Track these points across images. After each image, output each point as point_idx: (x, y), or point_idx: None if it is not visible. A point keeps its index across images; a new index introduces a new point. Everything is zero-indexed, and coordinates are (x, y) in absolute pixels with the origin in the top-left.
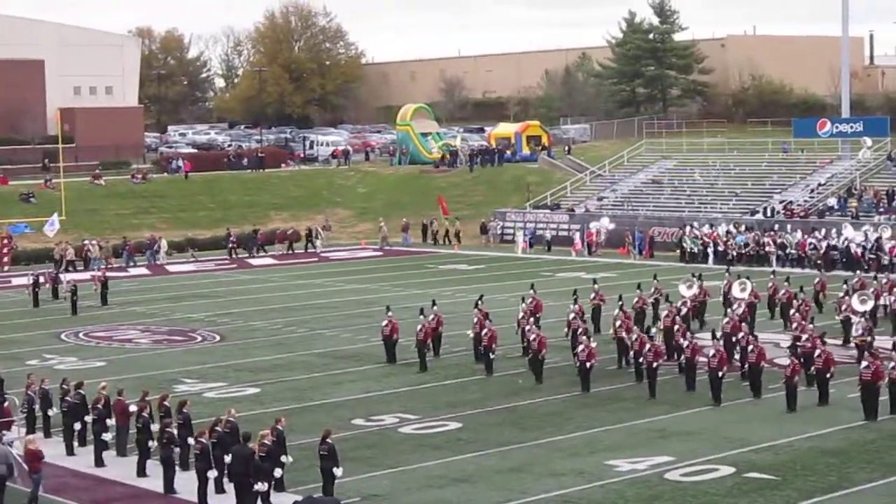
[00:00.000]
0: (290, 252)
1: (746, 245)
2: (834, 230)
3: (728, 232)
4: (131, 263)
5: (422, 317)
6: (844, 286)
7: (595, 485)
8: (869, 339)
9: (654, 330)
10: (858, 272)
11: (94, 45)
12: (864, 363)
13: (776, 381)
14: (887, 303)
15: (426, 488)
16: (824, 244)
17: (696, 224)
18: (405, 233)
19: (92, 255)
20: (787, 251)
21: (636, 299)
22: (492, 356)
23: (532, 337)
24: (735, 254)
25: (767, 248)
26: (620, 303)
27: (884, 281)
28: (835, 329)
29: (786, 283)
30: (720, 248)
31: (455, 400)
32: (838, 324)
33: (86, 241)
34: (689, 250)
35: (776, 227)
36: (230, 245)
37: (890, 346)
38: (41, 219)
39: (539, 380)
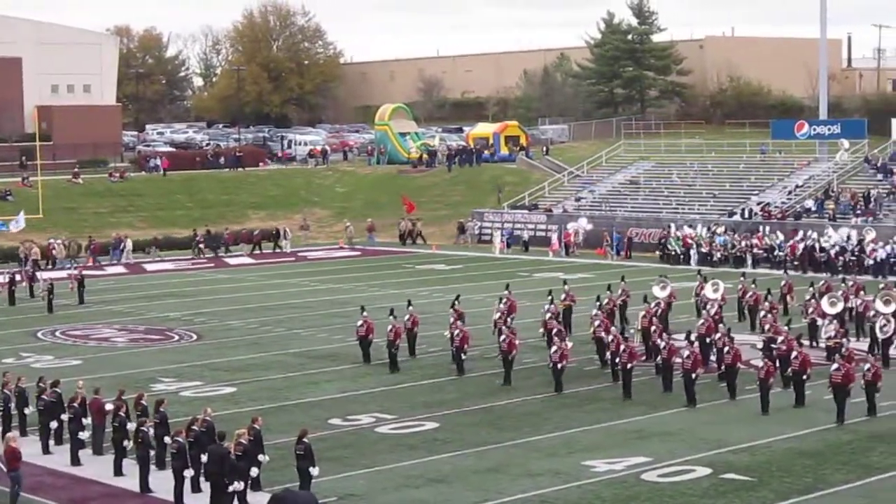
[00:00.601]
0: (259, 252)
1: (733, 246)
2: (814, 231)
3: (714, 234)
4: (96, 263)
5: (392, 317)
6: (811, 289)
7: (572, 485)
8: (843, 340)
9: (632, 330)
10: (829, 274)
11: (73, 43)
12: (834, 365)
13: (752, 383)
14: (853, 305)
15: (402, 488)
16: (801, 246)
17: (677, 225)
18: (370, 233)
19: (58, 255)
20: (775, 253)
21: (606, 300)
22: (463, 357)
23: (502, 338)
24: (720, 255)
25: (755, 250)
26: (598, 303)
27: (850, 284)
28: (800, 331)
29: (753, 286)
30: (703, 250)
31: (432, 400)
32: (804, 326)
33: (51, 241)
34: (673, 252)
35: (766, 228)
36: (197, 245)
37: (865, 349)
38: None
39: (507, 381)
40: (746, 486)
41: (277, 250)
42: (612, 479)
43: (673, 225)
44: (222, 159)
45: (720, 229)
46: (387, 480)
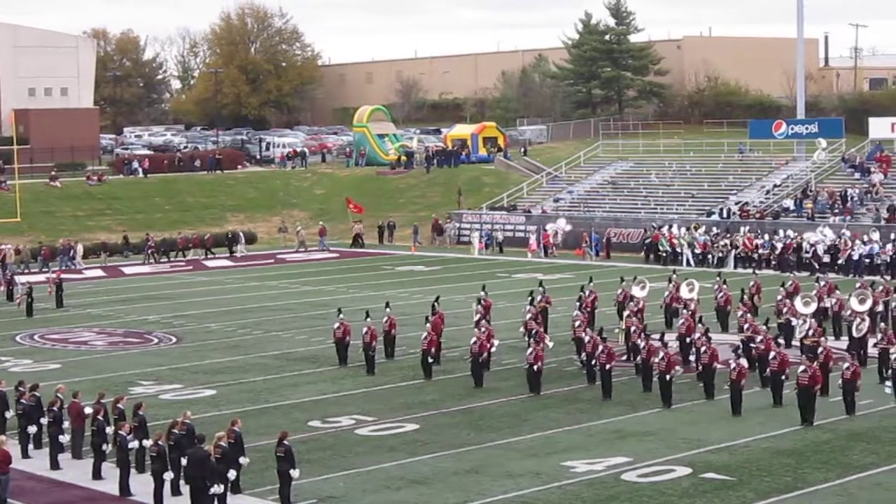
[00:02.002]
0: (211, 256)
1: (724, 246)
2: (791, 232)
3: (718, 234)
4: (44, 269)
5: (369, 320)
6: (782, 289)
7: (552, 486)
8: (821, 340)
9: (616, 330)
10: (809, 273)
11: (49, 46)
12: (801, 367)
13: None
14: (828, 305)
15: (383, 490)
16: (780, 245)
17: (669, 225)
18: (322, 237)
19: (8, 261)
20: (776, 253)
21: (583, 302)
22: (430, 360)
23: (472, 340)
24: (719, 256)
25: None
26: (579, 303)
27: (822, 284)
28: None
29: (724, 286)
30: (696, 251)
31: (411, 401)
32: (774, 326)
33: (2, 247)
34: (664, 253)
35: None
36: (149, 250)
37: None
38: None
39: (478, 383)
40: (726, 486)
41: (234, 254)
42: (593, 480)
43: (666, 225)
44: (197, 162)
45: (700, 229)
46: (367, 482)
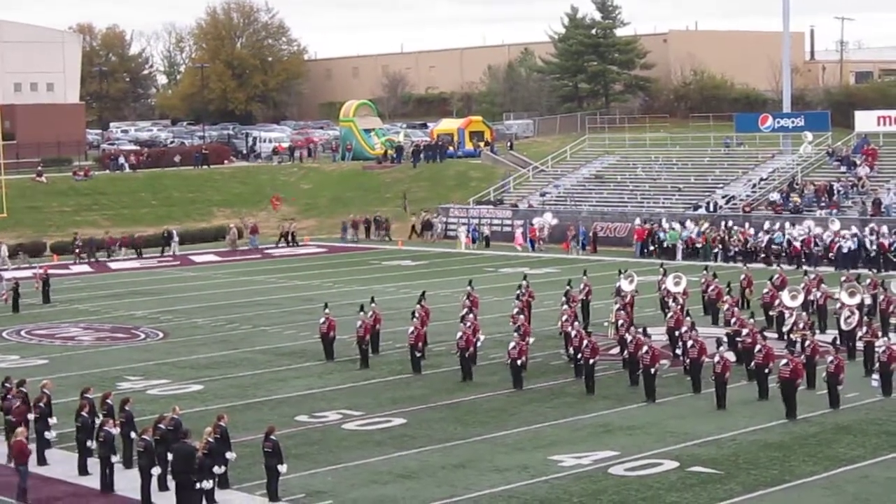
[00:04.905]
0: (139, 255)
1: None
2: (814, 225)
3: (732, 228)
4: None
5: (362, 313)
6: (769, 282)
7: (539, 480)
8: (808, 332)
9: (605, 324)
10: (796, 267)
11: (35, 41)
12: (782, 361)
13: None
14: (814, 298)
15: (370, 484)
16: (766, 238)
17: (668, 220)
18: (252, 235)
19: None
20: (783, 247)
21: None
22: (417, 354)
23: (458, 334)
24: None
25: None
26: (565, 297)
27: (812, 276)
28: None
29: (714, 279)
30: (698, 246)
31: (398, 396)
32: (763, 318)
33: None
34: (666, 244)
35: (775, 223)
36: (76, 249)
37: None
38: None
39: (467, 377)
40: (713, 479)
41: (169, 253)
42: (580, 474)
43: (663, 219)
44: (177, 157)
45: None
46: (354, 477)
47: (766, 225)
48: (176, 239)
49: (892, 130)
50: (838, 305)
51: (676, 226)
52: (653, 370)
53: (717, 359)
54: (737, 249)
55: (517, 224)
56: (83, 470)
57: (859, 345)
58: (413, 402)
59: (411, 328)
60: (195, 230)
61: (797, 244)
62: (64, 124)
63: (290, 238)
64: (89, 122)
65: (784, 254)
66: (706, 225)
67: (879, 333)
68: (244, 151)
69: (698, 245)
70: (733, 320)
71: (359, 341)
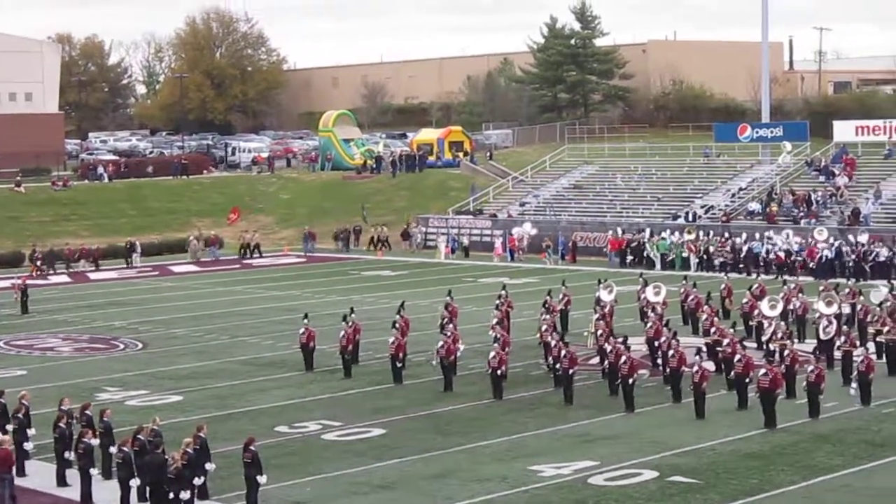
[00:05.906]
0: (96, 268)
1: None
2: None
3: (730, 238)
4: None
5: (344, 323)
6: (748, 292)
7: (519, 490)
8: (788, 342)
9: (585, 333)
10: (775, 276)
11: (14, 51)
12: (762, 371)
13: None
14: (794, 307)
15: (350, 495)
16: (745, 248)
17: (653, 230)
18: (212, 246)
19: None
20: (792, 258)
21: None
22: (398, 364)
23: (440, 344)
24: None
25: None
26: (545, 307)
27: (792, 286)
28: (739, 333)
29: (694, 289)
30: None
31: (378, 406)
32: (742, 327)
33: None
34: (652, 256)
35: (772, 232)
36: (35, 261)
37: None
38: None
39: (447, 388)
40: (693, 489)
41: (131, 265)
42: (560, 484)
43: (648, 230)
44: (150, 168)
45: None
46: (334, 487)
47: (758, 235)
48: (139, 250)
49: (871, 140)
50: (817, 315)
51: (666, 235)
52: (630, 380)
53: (695, 368)
54: (722, 260)
55: (497, 234)
56: (62, 481)
57: (837, 354)
58: (393, 412)
59: (392, 338)
60: (173, 240)
61: (781, 254)
62: (43, 134)
63: (252, 249)
64: (68, 131)
65: (763, 263)
66: (693, 235)
67: (857, 343)
68: (223, 161)
69: (684, 255)
70: (713, 330)
71: (341, 351)
